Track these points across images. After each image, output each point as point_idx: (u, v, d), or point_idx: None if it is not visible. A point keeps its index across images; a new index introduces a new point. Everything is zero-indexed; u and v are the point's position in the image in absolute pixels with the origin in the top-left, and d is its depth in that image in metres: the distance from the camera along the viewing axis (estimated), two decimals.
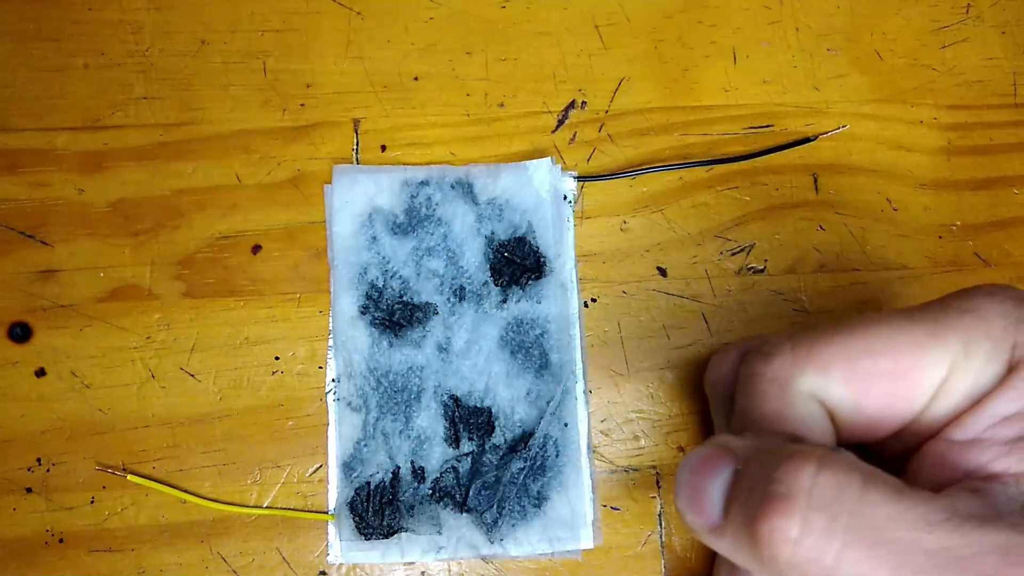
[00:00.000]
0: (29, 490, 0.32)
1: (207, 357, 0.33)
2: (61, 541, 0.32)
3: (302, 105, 0.35)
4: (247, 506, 0.32)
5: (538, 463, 0.31)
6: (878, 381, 0.23)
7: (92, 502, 0.32)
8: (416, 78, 0.35)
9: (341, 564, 0.32)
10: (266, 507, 0.32)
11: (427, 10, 0.35)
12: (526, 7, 0.35)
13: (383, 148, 0.34)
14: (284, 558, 0.32)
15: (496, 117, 0.34)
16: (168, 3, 0.35)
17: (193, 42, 0.35)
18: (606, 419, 0.33)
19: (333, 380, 0.33)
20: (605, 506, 0.32)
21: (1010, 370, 0.22)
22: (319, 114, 0.35)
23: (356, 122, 0.35)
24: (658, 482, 0.32)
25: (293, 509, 0.32)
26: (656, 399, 0.33)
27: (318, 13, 0.35)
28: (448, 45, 0.35)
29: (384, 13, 0.35)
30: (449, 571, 0.32)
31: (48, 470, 0.32)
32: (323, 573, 0.32)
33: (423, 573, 0.32)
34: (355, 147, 0.34)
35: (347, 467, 0.32)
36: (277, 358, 0.33)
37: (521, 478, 0.31)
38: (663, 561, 0.32)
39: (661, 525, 0.32)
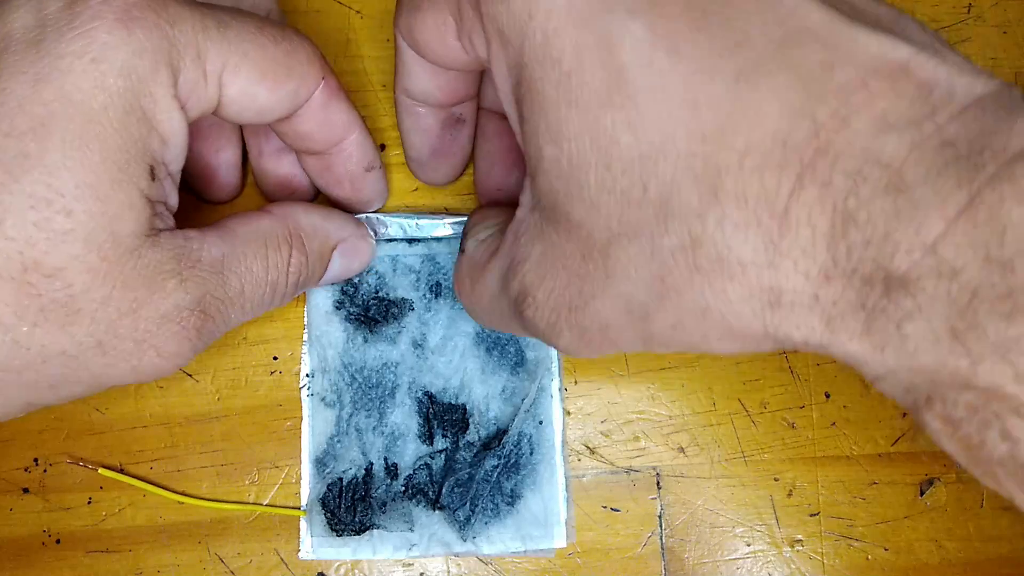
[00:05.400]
0: (26, 490, 0.32)
1: (205, 357, 0.33)
2: (58, 542, 0.32)
3: None
4: (201, 498, 0.32)
5: (512, 461, 0.31)
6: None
7: (89, 502, 0.32)
8: None
9: (340, 564, 0.32)
10: (234, 502, 0.32)
11: None
12: None
13: (383, 147, 0.34)
14: (282, 559, 0.32)
15: None
16: None
17: None
18: (606, 419, 0.33)
19: (307, 375, 0.32)
20: (605, 507, 0.32)
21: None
22: None
23: None
24: (658, 483, 0.32)
25: (267, 505, 0.32)
26: (656, 400, 0.33)
27: (318, 12, 0.35)
28: None
29: (384, 13, 0.35)
30: (448, 572, 0.32)
31: (45, 470, 0.32)
32: (321, 574, 0.32)
33: (422, 574, 0.32)
34: None
35: (320, 463, 0.32)
36: (275, 358, 0.33)
37: (495, 476, 0.31)
38: (663, 562, 0.32)
39: (661, 526, 0.32)
